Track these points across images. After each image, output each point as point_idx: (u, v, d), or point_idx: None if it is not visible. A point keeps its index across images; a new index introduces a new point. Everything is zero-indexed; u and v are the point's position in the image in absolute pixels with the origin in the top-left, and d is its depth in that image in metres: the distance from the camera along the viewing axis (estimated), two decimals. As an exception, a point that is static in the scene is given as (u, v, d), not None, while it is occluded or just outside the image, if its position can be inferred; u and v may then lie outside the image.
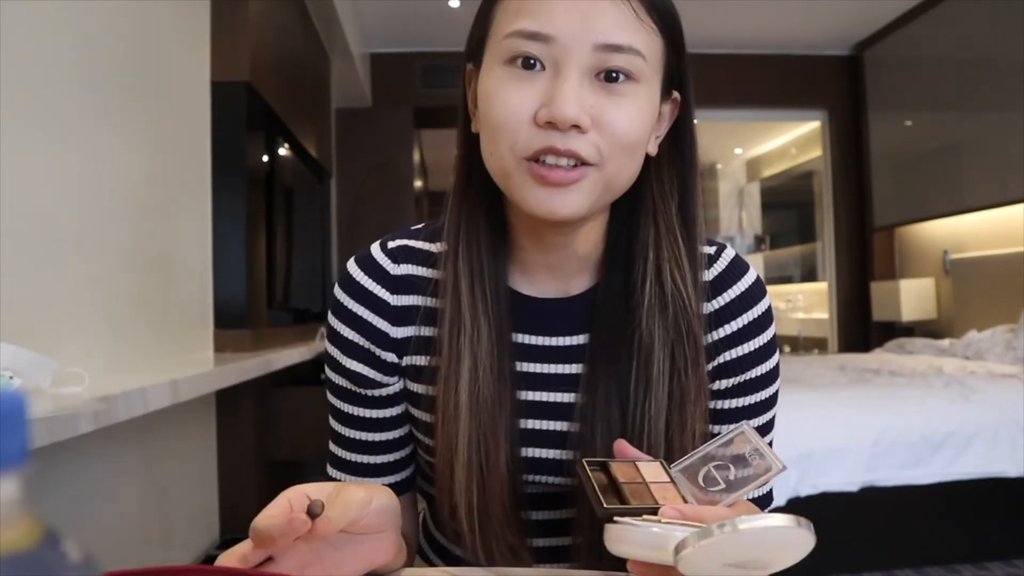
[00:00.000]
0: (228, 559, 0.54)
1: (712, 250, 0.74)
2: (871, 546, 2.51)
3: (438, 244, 0.74)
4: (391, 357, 0.73)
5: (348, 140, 4.53)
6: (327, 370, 0.76)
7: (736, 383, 0.73)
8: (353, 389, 0.75)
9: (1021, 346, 3.40)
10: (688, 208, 0.71)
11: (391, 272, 0.73)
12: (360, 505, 0.56)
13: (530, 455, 0.72)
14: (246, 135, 2.17)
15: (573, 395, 0.72)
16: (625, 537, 0.53)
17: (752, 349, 0.72)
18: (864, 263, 5.05)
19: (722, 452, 0.61)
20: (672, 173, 0.72)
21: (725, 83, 4.75)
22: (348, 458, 0.77)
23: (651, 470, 0.60)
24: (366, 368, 0.73)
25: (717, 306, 0.72)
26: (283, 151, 2.77)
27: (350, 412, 0.76)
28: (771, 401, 0.75)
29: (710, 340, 0.72)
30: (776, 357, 0.75)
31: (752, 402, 0.74)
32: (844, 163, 5.12)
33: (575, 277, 0.74)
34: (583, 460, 0.60)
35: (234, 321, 2.12)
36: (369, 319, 0.72)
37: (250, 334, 2.14)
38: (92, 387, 1.07)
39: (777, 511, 0.53)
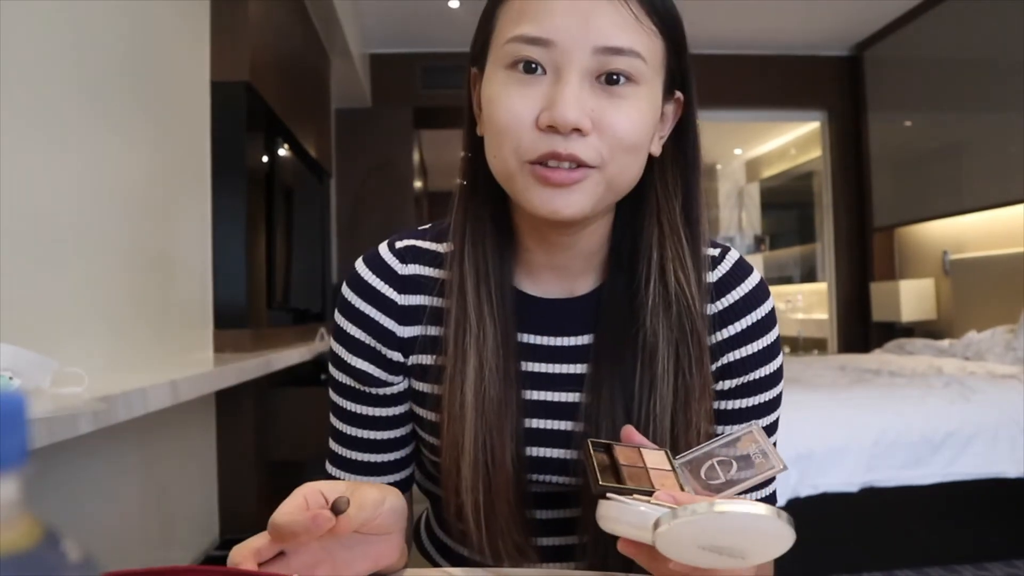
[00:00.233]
0: (242, 551, 0.54)
1: (716, 252, 0.75)
2: (871, 546, 2.51)
3: (445, 244, 0.74)
4: (397, 356, 0.74)
5: (348, 140, 4.53)
6: (331, 368, 0.77)
7: (739, 384, 0.73)
8: (357, 387, 0.75)
9: (1021, 346, 3.40)
10: (692, 208, 0.72)
11: (399, 272, 0.74)
12: (375, 505, 0.57)
13: (535, 454, 0.72)
14: (246, 135, 2.17)
15: (578, 395, 0.72)
16: (613, 514, 0.54)
17: (755, 351, 0.73)
18: (864, 263, 5.05)
19: (727, 449, 0.62)
20: (676, 173, 0.72)
21: (725, 83, 4.75)
22: (348, 456, 0.77)
23: (654, 457, 0.61)
24: (371, 367, 0.74)
25: (721, 307, 0.73)
26: (283, 151, 2.77)
27: (352, 410, 0.76)
28: (774, 403, 0.76)
29: (714, 341, 0.72)
30: (779, 359, 0.75)
31: (755, 403, 0.74)
32: (844, 163, 5.12)
33: (580, 277, 0.74)
34: (588, 440, 0.60)
35: (234, 321, 2.12)
36: (376, 318, 0.73)
37: (250, 334, 2.14)
38: (92, 387, 1.07)
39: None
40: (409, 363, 0.74)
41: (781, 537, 0.48)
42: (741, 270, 0.75)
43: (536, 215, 0.65)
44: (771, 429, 0.76)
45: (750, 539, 0.49)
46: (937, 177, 4.31)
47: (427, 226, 0.79)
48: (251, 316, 2.17)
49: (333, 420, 0.78)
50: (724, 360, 0.73)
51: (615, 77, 0.63)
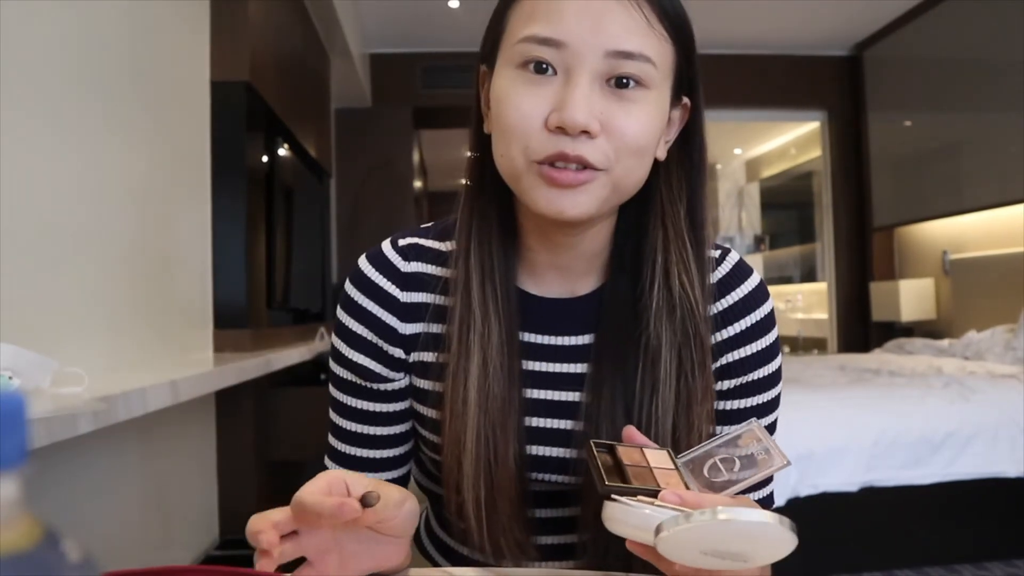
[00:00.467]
0: (260, 522, 0.54)
1: (717, 253, 0.75)
2: (871, 546, 2.51)
3: (448, 243, 0.75)
4: (399, 353, 0.74)
5: (348, 140, 4.53)
6: (331, 363, 0.77)
7: (738, 384, 0.74)
8: (357, 382, 0.75)
9: (1021, 346, 3.40)
10: (696, 212, 0.72)
11: (401, 269, 0.74)
12: (396, 505, 0.57)
13: (536, 453, 0.73)
14: (246, 135, 2.17)
15: (579, 394, 0.73)
16: (618, 516, 0.54)
17: (754, 351, 0.73)
18: (863, 263, 5.05)
19: (729, 447, 0.62)
20: (681, 177, 0.73)
21: (725, 83, 4.74)
22: (347, 451, 0.77)
23: (657, 457, 0.61)
24: (373, 362, 0.74)
25: (721, 308, 0.73)
26: (283, 151, 2.77)
27: (352, 405, 0.76)
28: (773, 404, 0.76)
29: (713, 341, 0.73)
30: (778, 361, 0.76)
31: (754, 404, 0.75)
32: (843, 163, 5.12)
33: (582, 278, 0.75)
34: (591, 441, 0.61)
35: (234, 321, 2.12)
36: (378, 314, 0.73)
37: (250, 334, 2.14)
38: (92, 387, 1.07)
39: (776, 512, 0.53)
40: (410, 360, 0.75)
41: (783, 542, 0.49)
42: (741, 271, 0.75)
43: (541, 215, 0.66)
44: (770, 429, 0.76)
45: (752, 544, 0.49)
46: (937, 177, 4.31)
47: (430, 224, 0.79)
48: (251, 316, 2.17)
49: (332, 415, 0.78)
50: (723, 360, 0.73)
51: (625, 81, 0.63)
